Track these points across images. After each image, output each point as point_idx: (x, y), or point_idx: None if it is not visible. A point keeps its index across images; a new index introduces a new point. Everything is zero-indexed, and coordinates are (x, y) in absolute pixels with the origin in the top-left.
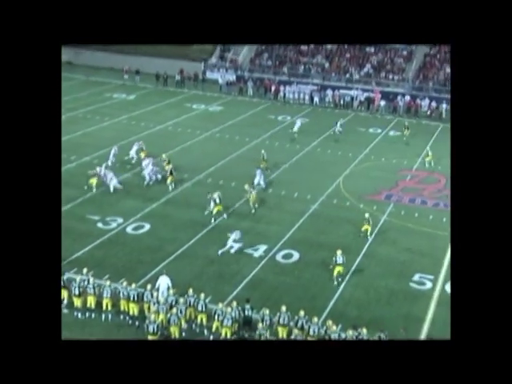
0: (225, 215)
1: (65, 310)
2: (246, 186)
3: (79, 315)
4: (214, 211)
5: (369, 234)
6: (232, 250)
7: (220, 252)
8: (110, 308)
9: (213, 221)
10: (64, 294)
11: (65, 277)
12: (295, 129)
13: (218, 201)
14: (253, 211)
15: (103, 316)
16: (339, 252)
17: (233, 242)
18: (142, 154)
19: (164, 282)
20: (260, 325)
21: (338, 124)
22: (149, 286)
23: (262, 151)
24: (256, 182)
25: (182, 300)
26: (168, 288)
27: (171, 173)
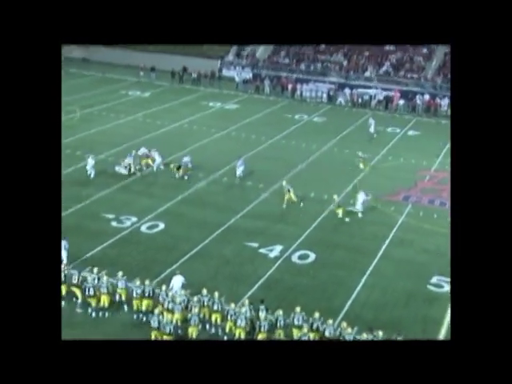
0: (301, 203)
1: (78, 310)
2: (284, 183)
3: (93, 314)
4: (286, 198)
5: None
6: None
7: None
8: (124, 299)
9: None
10: (77, 292)
11: (79, 276)
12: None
13: (290, 189)
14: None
15: (117, 312)
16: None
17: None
18: (146, 161)
19: (178, 281)
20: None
21: (372, 126)
22: (164, 287)
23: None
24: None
25: (195, 299)
26: (182, 287)
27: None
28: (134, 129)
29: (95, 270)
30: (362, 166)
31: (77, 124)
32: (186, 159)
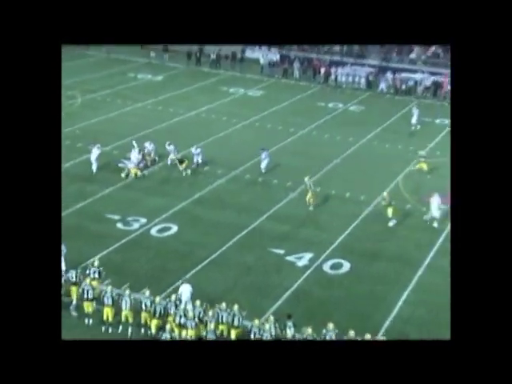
0: (311, 208)
1: (74, 313)
2: (306, 179)
3: (90, 322)
4: (307, 197)
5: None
6: None
7: None
8: (130, 321)
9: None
10: (73, 292)
11: (77, 273)
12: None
13: (311, 186)
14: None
15: (123, 329)
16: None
17: None
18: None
19: (187, 291)
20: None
21: (415, 116)
22: (173, 297)
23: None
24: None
25: (211, 313)
26: (191, 297)
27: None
28: (144, 117)
29: (96, 263)
30: (424, 168)
31: (77, 111)
32: (195, 151)
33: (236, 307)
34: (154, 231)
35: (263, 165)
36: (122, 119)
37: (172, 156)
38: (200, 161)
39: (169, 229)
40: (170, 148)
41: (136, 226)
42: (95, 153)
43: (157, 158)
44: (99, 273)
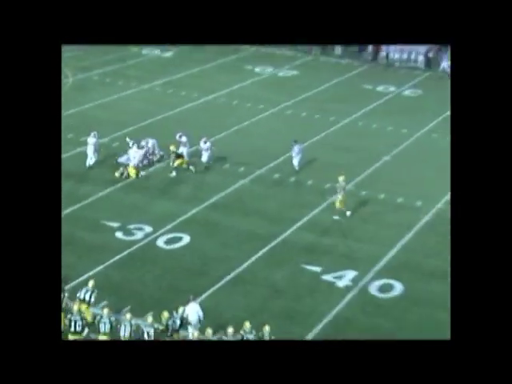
0: (348, 213)
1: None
2: (341, 179)
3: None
4: (338, 202)
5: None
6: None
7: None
8: None
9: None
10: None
11: (63, 296)
12: None
13: (343, 189)
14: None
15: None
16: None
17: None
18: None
19: (193, 312)
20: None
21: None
22: (178, 321)
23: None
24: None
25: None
26: (199, 321)
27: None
28: (150, 102)
29: (91, 284)
30: None
31: (69, 94)
32: (204, 145)
33: (267, 328)
34: (161, 242)
35: (296, 161)
36: (124, 104)
37: (172, 148)
38: (207, 159)
39: (179, 239)
40: (182, 140)
41: (139, 235)
42: (91, 143)
43: (162, 154)
44: (92, 296)
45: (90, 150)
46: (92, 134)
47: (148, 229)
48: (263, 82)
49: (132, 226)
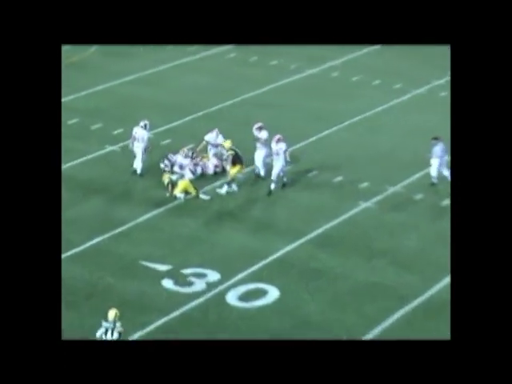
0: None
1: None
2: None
3: None
4: None
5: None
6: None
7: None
8: None
9: None
10: None
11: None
12: None
13: None
14: None
15: None
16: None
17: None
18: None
19: None
20: None
21: None
22: None
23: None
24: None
25: None
26: None
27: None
28: (218, 76)
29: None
30: None
31: (91, 63)
32: (277, 146)
33: None
34: (233, 297)
35: (436, 169)
36: (177, 78)
37: (228, 144)
38: (278, 170)
39: (262, 294)
40: (261, 137)
41: (199, 285)
42: (140, 138)
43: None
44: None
45: (138, 148)
46: (141, 123)
47: (213, 275)
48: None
49: (188, 271)
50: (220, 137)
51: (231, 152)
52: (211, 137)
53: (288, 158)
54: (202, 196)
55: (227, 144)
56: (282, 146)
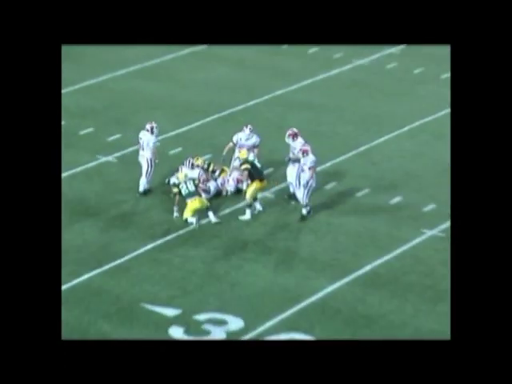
0: None
1: None
2: None
3: None
4: None
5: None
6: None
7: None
8: None
9: None
10: None
11: None
12: None
13: None
14: None
15: None
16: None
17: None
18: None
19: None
20: None
21: None
22: None
23: None
24: None
25: None
26: None
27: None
28: (240, 67)
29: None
30: None
31: (82, 51)
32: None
33: None
34: None
35: None
36: (189, 71)
37: (243, 154)
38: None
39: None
40: (295, 146)
41: (218, 335)
42: (146, 144)
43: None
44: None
45: (142, 158)
46: (147, 126)
47: (235, 323)
48: None
49: (203, 317)
50: (255, 137)
51: (246, 166)
52: (242, 136)
53: (312, 177)
54: (211, 217)
55: (242, 154)
56: (308, 160)
